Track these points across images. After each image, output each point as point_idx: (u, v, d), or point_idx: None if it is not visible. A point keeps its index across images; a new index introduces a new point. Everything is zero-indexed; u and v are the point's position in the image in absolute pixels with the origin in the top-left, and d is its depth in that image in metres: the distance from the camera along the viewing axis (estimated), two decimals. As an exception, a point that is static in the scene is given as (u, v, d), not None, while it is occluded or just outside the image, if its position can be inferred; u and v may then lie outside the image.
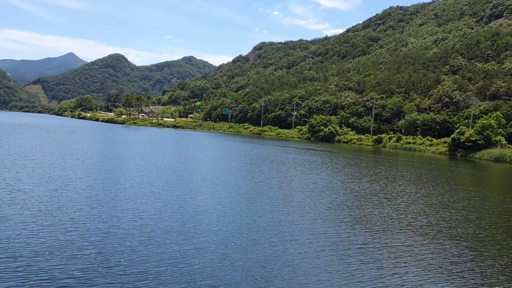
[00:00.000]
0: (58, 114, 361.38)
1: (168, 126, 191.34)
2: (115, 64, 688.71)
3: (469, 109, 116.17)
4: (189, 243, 17.00)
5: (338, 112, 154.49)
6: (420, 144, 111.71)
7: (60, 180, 29.22)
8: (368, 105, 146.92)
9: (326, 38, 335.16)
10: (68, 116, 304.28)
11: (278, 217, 22.68)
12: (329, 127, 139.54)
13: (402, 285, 14.23)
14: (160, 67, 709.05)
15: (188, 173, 37.63)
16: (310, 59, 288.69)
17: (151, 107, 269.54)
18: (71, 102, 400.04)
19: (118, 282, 12.89)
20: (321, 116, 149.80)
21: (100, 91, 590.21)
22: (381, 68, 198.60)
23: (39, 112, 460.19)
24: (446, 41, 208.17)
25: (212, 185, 31.79)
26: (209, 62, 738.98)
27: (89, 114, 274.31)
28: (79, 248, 15.57)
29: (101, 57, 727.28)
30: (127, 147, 62.58)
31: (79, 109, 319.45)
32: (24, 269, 13.31)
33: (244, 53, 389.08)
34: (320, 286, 13.64)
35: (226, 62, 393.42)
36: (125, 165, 40.43)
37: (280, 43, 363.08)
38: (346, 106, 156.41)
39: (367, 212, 25.65)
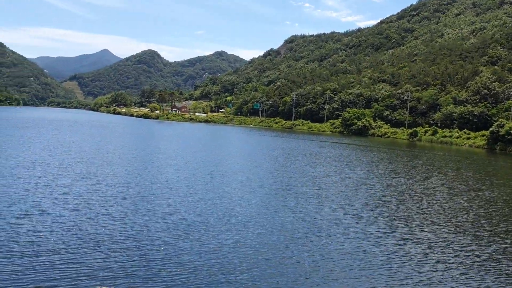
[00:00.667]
0: (94, 110, 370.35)
1: (199, 121, 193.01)
2: (148, 60, 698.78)
3: (509, 101, 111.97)
4: (225, 238, 17.01)
5: (372, 105, 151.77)
6: (457, 138, 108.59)
7: (98, 174, 29.84)
8: (403, 97, 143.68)
9: (359, 30, 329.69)
10: (103, 112, 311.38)
11: (314, 212, 22.45)
12: (363, 120, 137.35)
13: (443, 283, 13.81)
14: (192, 62, 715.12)
15: (221, 168, 37.78)
16: (343, 51, 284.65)
17: (184, 102, 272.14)
18: (106, 97, 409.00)
19: (156, 276, 13.00)
20: (354, 109, 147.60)
21: (134, 87, 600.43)
22: (416, 60, 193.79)
23: (76, 107, 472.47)
24: (485, 31, 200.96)
25: (246, 180, 31.79)
26: (240, 56, 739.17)
27: (123, 110, 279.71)
28: (117, 242, 15.81)
29: (134, 53, 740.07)
30: (161, 142, 63.45)
31: (114, 105, 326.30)
32: (64, 262, 13.60)
33: (275, 47, 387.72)
34: (359, 283, 13.38)
35: (257, 56, 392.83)
36: (160, 159, 40.96)
37: (312, 35, 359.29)
38: (380, 99, 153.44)
39: (405, 207, 25.08)
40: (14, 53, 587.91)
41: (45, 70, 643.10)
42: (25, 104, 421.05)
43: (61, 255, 14.13)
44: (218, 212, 21.08)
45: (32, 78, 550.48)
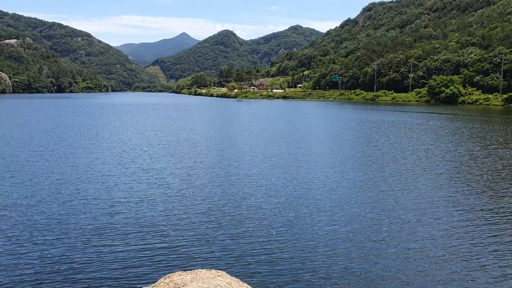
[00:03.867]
0: (176, 92, 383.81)
1: (277, 97, 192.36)
2: (225, 40, 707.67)
3: None
4: (333, 222, 16.00)
5: (461, 71, 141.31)
6: None
7: (188, 158, 30.10)
8: (496, 61, 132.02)
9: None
10: (185, 94, 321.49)
11: (417, 197, 20.70)
12: (451, 87, 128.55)
13: None
14: (267, 39, 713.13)
15: (304, 147, 36.60)
16: (426, 15, 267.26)
17: (261, 80, 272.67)
18: (187, 80, 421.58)
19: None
20: (442, 76, 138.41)
21: (213, 67, 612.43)
22: (510, 18, 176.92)
23: (160, 91, 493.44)
24: None
25: (335, 158, 30.40)
26: (315, 29, 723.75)
27: (204, 91, 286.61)
28: (217, 229, 15.40)
29: (211, 35, 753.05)
30: (243, 120, 63.53)
31: (195, 86, 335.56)
32: (168, 247, 13.40)
33: (352, 16, 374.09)
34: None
35: (333, 28, 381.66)
36: (244, 138, 40.67)
37: (392, 1, 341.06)
38: (469, 64, 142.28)
39: (517, 180, 22.42)
40: (100, 42, 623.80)
41: (129, 57, 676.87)
42: (113, 90, 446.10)
43: (165, 243, 13.95)
44: (315, 195, 20.12)
45: (118, 65, 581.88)
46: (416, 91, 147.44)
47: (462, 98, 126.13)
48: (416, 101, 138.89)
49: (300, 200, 18.44)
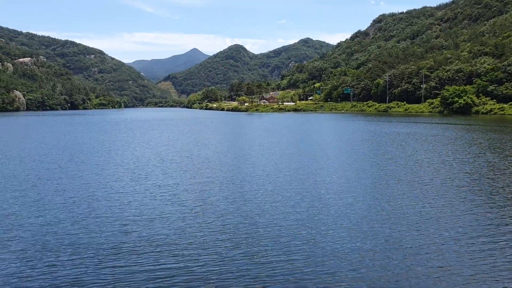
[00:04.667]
0: (187, 107, 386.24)
1: (288, 110, 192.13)
2: (235, 54, 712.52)
3: None
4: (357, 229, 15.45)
5: (474, 80, 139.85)
6: None
7: (201, 173, 29.76)
8: (510, 70, 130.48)
9: (454, 1, 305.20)
10: (196, 108, 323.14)
11: (441, 208, 20.03)
12: (464, 98, 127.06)
13: None
14: (277, 52, 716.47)
15: (319, 161, 36.04)
16: (437, 26, 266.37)
17: (271, 93, 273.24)
18: (198, 94, 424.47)
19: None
20: (454, 86, 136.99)
21: (223, 82, 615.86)
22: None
23: (171, 106, 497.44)
24: None
25: (352, 172, 29.79)
26: (326, 41, 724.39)
27: (215, 105, 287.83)
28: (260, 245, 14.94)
29: (221, 50, 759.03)
30: (255, 134, 63.19)
31: (205, 101, 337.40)
32: (183, 267, 12.97)
33: (362, 28, 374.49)
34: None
35: (344, 40, 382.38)
36: (257, 152, 40.24)
37: (402, 13, 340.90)
38: (483, 73, 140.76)
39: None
40: (113, 59, 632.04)
41: (141, 73, 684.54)
42: (125, 106, 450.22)
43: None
44: (342, 204, 19.60)
45: (130, 82, 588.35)
46: (429, 102, 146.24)
47: (476, 108, 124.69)
48: (429, 112, 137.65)
49: (318, 217, 17.91)
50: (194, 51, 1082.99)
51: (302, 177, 26.80)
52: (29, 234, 15.96)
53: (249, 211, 18.88)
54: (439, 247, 14.25)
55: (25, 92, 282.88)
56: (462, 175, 26.89)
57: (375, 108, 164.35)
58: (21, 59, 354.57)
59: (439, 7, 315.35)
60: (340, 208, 19.14)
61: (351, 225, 16.69)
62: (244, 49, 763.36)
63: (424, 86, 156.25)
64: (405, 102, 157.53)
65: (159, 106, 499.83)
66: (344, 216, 17.93)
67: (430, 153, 37.72)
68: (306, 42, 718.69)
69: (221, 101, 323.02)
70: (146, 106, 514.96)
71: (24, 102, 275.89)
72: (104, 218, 17.89)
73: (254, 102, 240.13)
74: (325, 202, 20.26)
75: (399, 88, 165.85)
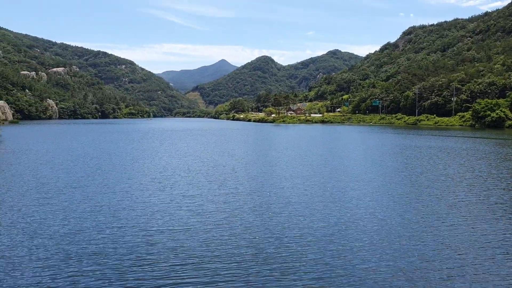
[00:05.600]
0: (215, 117, 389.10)
1: (316, 122, 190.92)
2: (262, 66, 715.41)
3: None
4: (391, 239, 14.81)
5: (507, 94, 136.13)
6: None
7: (227, 185, 29.50)
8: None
9: (487, 13, 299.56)
10: (223, 119, 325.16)
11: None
12: (497, 111, 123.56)
13: None
14: (305, 64, 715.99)
15: (347, 174, 35.29)
16: (469, 38, 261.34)
17: (299, 104, 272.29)
18: (225, 105, 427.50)
19: None
20: (487, 99, 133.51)
21: (251, 93, 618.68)
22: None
23: (198, 116, 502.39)
24: None
25: (382, 187, 28.95)
26: (354, 53, 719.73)
27: (242, 116, 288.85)
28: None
29: (249, 61, 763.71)
30: (282, 145, 62.75)
31: (233, 111, 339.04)
32: (210, 282, 12.61)
33: (392, 40, 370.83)
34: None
35: (372, 52, 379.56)
36: (285, 163, 39.76)
37: (432, 25, 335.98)
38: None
39: None
40: (143, 69, 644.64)
41: (170, 84, 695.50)
42: (154, 115, 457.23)
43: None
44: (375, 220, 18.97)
45: (159, 92, 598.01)
46: (459, 115, 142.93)
47: (509, 122, 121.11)
48: (460, 125, 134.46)
49: (347, 232, 17.28)
50: (222, 62, 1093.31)
51: (331, 190, 26.18)
52: (52, 242, 15.88)
53: (276, 224, 18.40)
54: (477, 268, 13.46)
55: (57, 101, 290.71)
56: (498, 191, 25.76)
57: (404, 121, 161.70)
58: (54, 69, 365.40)
59: (471, 19, 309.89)
60: (370, 224, 18.45)
61: (382, 242, 16.01)
62: (272, 60, 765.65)
63: (454, 99, 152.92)
64: (434, 115, 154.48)
65: (186, 116, 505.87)
66: (374, 232, 17.26)
67: (464, 167, 36.46)
68: (334, 53, 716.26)
69: (248, 112, 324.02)
70: (174, 116, 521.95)
71: (57, 110, 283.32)
72: (129, 228, 17.72)
73: (281, 113, 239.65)
74: (355, 217, 19.60)
75: (428, 101, 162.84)
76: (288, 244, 15.71)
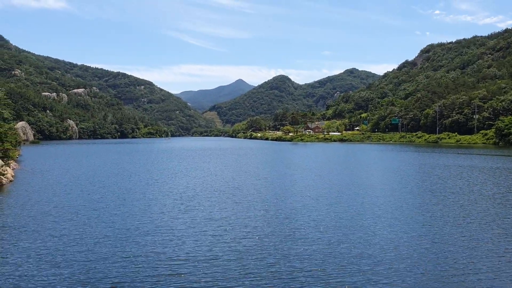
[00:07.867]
0: (232, 136, 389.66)
1: (334, 140, 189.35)
2: (279, 85, 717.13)
3: None
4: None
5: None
6: None
7: (249, 206, 28.57)
8: None
9: (507, 30, 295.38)
10: (241, 137, 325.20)
11: None
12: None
13: None
14: (322, 83, 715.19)
15: (372, 195, 33.99)
16: (489, 55, 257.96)
17: (316, 123, 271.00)
18: (242, 124, 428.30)
19: None
20: (510, 117, 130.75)
21: (268, 111, 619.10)
22: None
23: (216, 135, 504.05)
24: None
25: (409, 210, 27.64)
26: (372, 72, 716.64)
27: (259, 134, 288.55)
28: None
29: (266, 80, 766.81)
30: (302, 164, 61.63)
31: (250, 130, 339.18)
32: None
33: (409, 58, 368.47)
34: None
35: (391, 70, 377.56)
36: (307, 183, 38.65)
37: (451, 42, 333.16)
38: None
39: None
40: (161, 90, 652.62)
41: (188, 103, 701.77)
42: (172, 135, 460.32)
43: None
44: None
45: (177, 111, 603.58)
46: (482, 133, 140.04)
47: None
48: (483, 143, 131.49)
49: (371, 259, 16.07)
50: (239, 82, 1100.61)
51: (356, 209, 24.98)
52: (69, 271, 15.02)
53: (303, 248, 17.31)
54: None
55: (78, 121, 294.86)
56: (539, 214, 24.21)
57: (425, 139, 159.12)
58: (75, 90, 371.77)
59: (490, 36, 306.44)
60: (399, 247, 17.21)
61: (410, 266, 14.78)
62: (289, 79, 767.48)
63: (476, 116, 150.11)
64: (456, 133, 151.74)
65: (204, 135, 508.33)
66: (405, 255, 16.02)
67: (502, 187, 34.81)
68: (351, 72, 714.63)
69: (265, 130, 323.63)
70: (192, 135, 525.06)
71: (77, 130, 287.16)
72: (152, 254, 16.82)
73: (299, 131, 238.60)
74: (382, 237, 18.37)
75: (449, 119, 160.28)
76: (326, 278, 14.59)
